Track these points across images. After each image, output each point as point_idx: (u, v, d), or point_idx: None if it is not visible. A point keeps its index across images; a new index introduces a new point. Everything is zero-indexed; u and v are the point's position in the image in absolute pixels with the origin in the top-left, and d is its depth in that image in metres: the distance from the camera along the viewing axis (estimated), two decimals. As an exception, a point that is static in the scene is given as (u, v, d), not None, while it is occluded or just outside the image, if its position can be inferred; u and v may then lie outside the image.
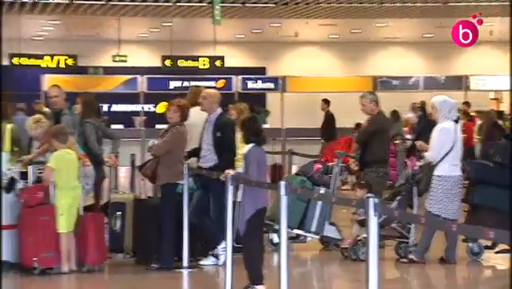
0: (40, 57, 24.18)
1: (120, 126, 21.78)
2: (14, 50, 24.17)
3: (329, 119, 19.62)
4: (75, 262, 8.44)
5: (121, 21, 24.11)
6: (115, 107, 26.36)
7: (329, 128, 19.42)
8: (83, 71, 25.28)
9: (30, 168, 8.70)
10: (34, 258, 8.31)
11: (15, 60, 23.89)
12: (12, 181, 8.59)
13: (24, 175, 8.69)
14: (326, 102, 19.91)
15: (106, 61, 26.38)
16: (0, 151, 8.80)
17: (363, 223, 8.84)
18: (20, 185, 8.62)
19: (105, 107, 24.85)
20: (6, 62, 24.05)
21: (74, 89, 19.84)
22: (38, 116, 9.09)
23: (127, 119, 23.96)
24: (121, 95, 24.96)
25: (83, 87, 22.17)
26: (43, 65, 24.09)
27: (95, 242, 8.53)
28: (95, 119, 9.45)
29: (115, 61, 25.57)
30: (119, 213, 9.04)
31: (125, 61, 25.63)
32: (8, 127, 9.01)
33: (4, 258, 8.57)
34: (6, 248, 8.54)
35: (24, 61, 24.06)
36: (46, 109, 10.38)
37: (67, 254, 8.39)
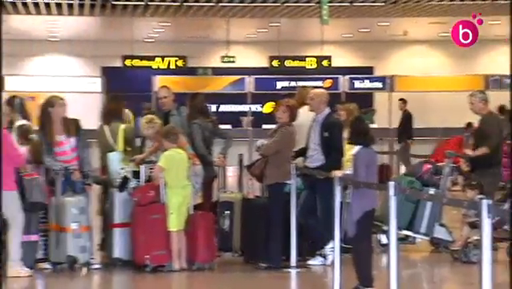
0: (151, 58, 24.71)
1: (228, 126, 22.04)
2: (127, 52, 24.79)
3: (406, 118, 19.41)
4: (185, 260, 8.58)
5: (230, 22, 24.37)
6: (223, 108, 26.69)
7: (406, 127, 19.22)
8: (192, 71, 25.69)
9: (142, 168, 8.90)
10: (146, 256, 8.49)
11: (128, 62, 24.50)
12: (125, 180, 8.81)
13: (136, 174, 8.89)
14: (404, 101, 19.76)
15: (215, 62, 26.74)
16: (110, 151, 9.04)
17: (474, 225, 8.66)
18: (133, 184, 8.83)
19: (213, 108, 25.20)
20: (119, 63, 24.73)
21: (184, 90, 20.20)
22: (150, 116, 9.29)
23: (234, 119, 24.20)
24: (229, 96, 25.23)
25: (192, 87, 22.53)
26: (154, 66, 24.61)
27: (205, 241, 8.64)
28: (203, 119, 9.57)
29: (223, 62, 25.88)
30: (228, 212, 9.14)
31: (233, 62, 25.90)
32: (121, 127, 9.23)
33: (117, 255, 8.81)
34: (119, 246, 8.78)
35: (136, 62, 24.64)
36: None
37: (178, 253, 8.54)
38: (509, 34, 9.14)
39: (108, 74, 25.87)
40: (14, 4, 20.52)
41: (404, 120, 19.42)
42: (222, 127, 10.40)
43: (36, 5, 20.72)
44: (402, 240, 9.35)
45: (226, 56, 25.84)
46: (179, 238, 8.57)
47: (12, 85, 25.23)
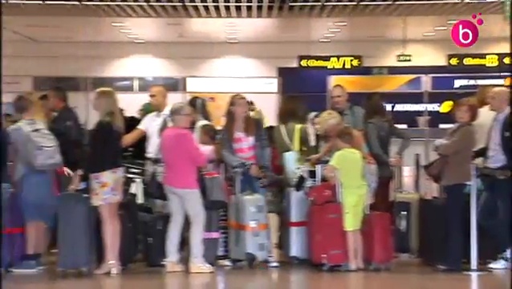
0: (327, 58, 24.81)
1: (404, 126, 21.77)
2: (303, 52, 25.02)
3: None
4: (362, 260, 8.57)
5: (406, 21, 24.05)
6: (398, 107, 26.40)
7: None
8: (367, 71, 25.57)
9: (318, 167, 8.96)
10: (323, 255, 8.53)
11: (303, 62, 24.73)
12: (301, 179, 8.90)
13: (312, 174, 8.96)
14: None
15: (390, 61, 26.48)
16: (286, 150, 9.16)
17: None
18: (309, 183, 8.91)
19: (388, 107, 25.01)
20: (294, 64, 25.02)
21: (359, 89, 20.15)
22: (330, 110, 9.42)
23: (410, 118, 23.87)
24: (405, 95, 24.91)
25: (367, 87, 22.44)
26: (330, 66, 24.71)
27: (382, 241, 8.58)
28: (379, 119, 9.53)
29: (399, 61, 25.58)
30: (405, 212, 9.04)
31: (409, 60, 25.55)
32: (297, 127, 9.34)
33: (294, 253, 8.92)
34: (295, 244, 8.89)
35: (312, 63, 24.83)
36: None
37: (354, 252, 8.54)
38: (510, 34, 8.74)
39: (284, 74, 26.22)
40: (195, 7, 21.22)
41: None
42: (398, 127, 10.31)
43: (217, 8, 21.32)
44: None
45: (402, 55, 25.51)
46: (355, 237, 8.56)
47: (193, 86, 26.14)
